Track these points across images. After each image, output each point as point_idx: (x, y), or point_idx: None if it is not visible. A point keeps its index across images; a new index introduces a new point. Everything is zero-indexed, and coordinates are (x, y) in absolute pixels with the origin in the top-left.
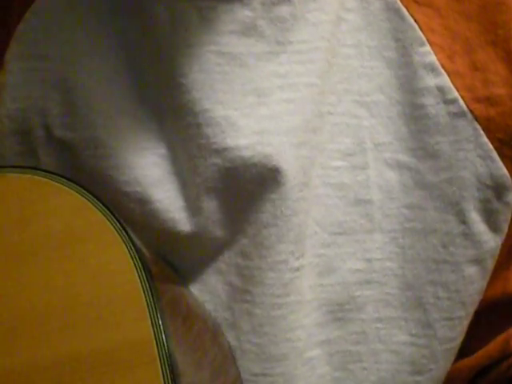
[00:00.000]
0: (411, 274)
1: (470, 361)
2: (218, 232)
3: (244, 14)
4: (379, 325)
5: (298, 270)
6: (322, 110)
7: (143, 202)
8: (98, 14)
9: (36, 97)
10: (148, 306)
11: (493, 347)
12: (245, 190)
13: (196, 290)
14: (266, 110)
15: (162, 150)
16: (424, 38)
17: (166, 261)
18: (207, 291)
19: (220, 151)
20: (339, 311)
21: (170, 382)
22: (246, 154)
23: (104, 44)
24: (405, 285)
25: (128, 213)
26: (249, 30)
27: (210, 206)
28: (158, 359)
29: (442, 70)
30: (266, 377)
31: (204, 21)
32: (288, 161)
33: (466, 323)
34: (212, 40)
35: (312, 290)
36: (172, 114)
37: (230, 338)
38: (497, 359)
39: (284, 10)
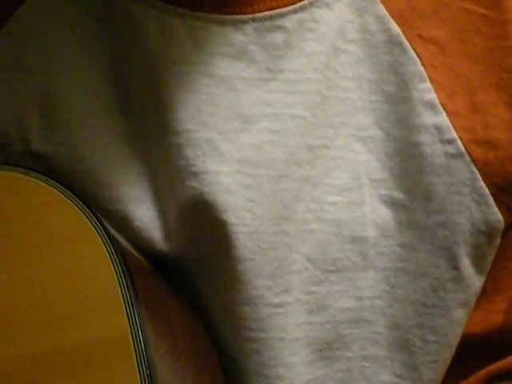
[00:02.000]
0: (400, 315)
1: None
2: (192, 260)
3: (236, 37)
4: (365, 363)
5: (279, 306)
6: (310, 142)
7: (125, 219)
8: (84, 24)
9: (15, 109)
10: (124, 302)
11: None
12: (221, 222)
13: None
14: (249, 137)
15: (144, 168)
16: (425, 74)
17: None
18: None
19: (198, 174)
20: (327, 350)
21: (146, 377)
22: (226, 180)
23: (89, 56)
24: (393, 324)
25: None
26: (240, 55)
27: (185, 231)
28: (134, 354)
29: (442, 109)
30: None
31: (195, 40)
32: (266, 193)
33: (448, 363)
34: (201, 60)
35: (300, 327)
36: (155, 131)
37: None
38: None
39: (278, 37)
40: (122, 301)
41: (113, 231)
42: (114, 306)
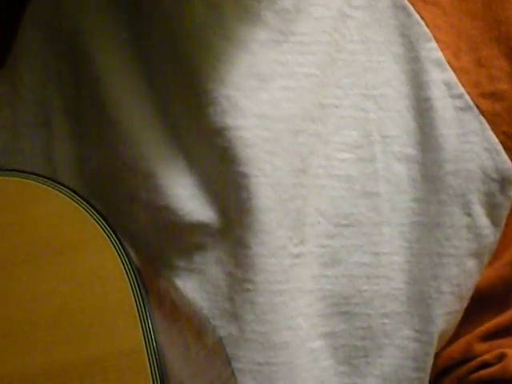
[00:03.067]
0: (417, 269)
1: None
2: (215, 219)
3: (250, 3)
4: (386, 320)
5: (297, 256)
6: (322, 101)
7: (149, 176)
8: (110, 2)
9: (52, 66)
10: (139, 314)
11: (455, 349)
12: (242, 174)
13: (196, 280)
14: (266, 95)
15: (168, 129)
16: (430, 34)
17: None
18: (207, 281)
19: (219, 130)
20: (345, 304)
21: None
22: (245, 135)
23: (116, 29)
24: (411, 279)
25: (132, 188)
26: (254, 19)
27: (208, 191)
28: (148, 368)
29: (448, 67)
30: (270, 366)
31: (210, 6)
32: (285, 147)
33: (459, 317)
34: (218, 23)
35: (315, 280)
36: (176, 94)
37: (232, 328)
38: (458, 361)
39: (287, 3)
40: (137, 313)
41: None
42: (128, 318)
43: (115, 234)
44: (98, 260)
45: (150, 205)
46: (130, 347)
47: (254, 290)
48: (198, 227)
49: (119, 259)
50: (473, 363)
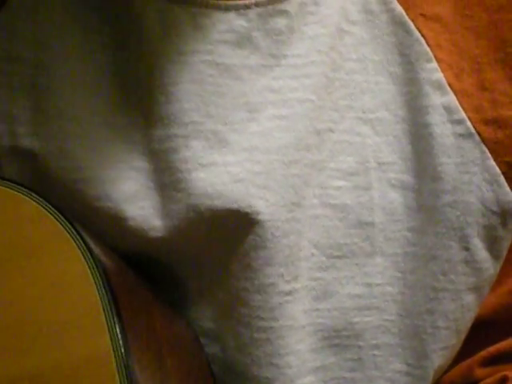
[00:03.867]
0: (410, 301)
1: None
2: (202, 253)
3: (239, 24)
4: (376, 352)
5: (289, 293)
6: (317, 126)
7: (115, 218)
8: (77, 13)
9: (3, 102)
10: (106, 320)
11: (456, 373)
12: (231, 209)
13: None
14: (256, 126)
15: (141, 163)
16: (431, 54)
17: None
18: (192, 303)
19: (206, 165)
20: (336, 337)
21: None
22: (234, 170)
23: (83, 46)
24: (404, 311)
25: (98, 228)
26: (243, 41)
27: (193, 225)
28: (116, 375)
29: (449, 89)
30: None
31: (197, 28)
32: (277, 179)
33: (457, 349)
34: (205, 49)
35: (307, 314)
36: (157, 123)
37: (215, 348)
38: None
39: (280, 22)
40: (104, 319)
41: (93, 245)
42: (95, 324)
43: (82, 239)
44: (65, 265)
45: (118, 246)
46: (98, 354)
47: (237, 320)
48: (175, 261)
49: (86, 264)
50: None
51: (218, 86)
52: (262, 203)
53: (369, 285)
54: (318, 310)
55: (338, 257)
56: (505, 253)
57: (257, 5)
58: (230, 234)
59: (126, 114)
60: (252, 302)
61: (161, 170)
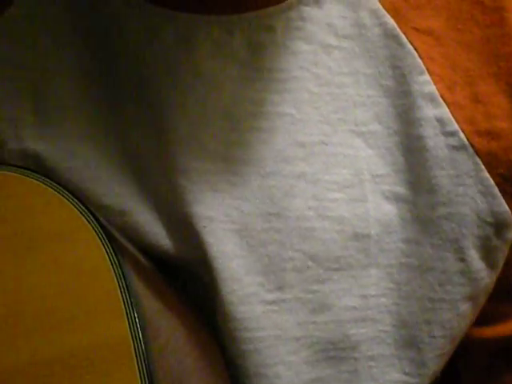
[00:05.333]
0: (406, 312)
1: (492, 331)
2: (193, 256)
3: (223, 37)
4: (372, 363)
5: (272, 303)
6: (300, 139)
7: (124, 213)
8: (73, 25)
9: (8, 107)
10: (125, 305)
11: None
12: (209, 219)
13: None
14: (236, 136)
15: (137, 166)
16: (423, 67)
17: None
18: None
19: (186, 172)
20: (332, 350)
21: (146, 381)
22: (212, 178)
23: (79, 55)
24: (399, 322)
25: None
26: (226, 54)
27: (181, 227)
28: (134, 359)
29: (442, 101)
30: None
31: (180, 39)
32: (253, 190)
33: (451, 354)
34: (187, 59)
35: (302, 326)
36: (143, 130)
37: None
38: None
39: (264, 37)
40: (122, 304)
41: (112, 230)
42: (113, 309)
43: (101, 226)
44: (84, 251)
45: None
46: (116, 338)
47: (226, 335)
48: (176, 259)
49: (104, 250)
50: None
51: (199, 95)
52: (236, 213)
53: (364, 296)
54: (314, 322)
55: (336, 269)
56: (501, 262)
57: (240, 20)
58: (207, 242)
59: (119, 117)
60: (238, 314)
61: (151, 175)
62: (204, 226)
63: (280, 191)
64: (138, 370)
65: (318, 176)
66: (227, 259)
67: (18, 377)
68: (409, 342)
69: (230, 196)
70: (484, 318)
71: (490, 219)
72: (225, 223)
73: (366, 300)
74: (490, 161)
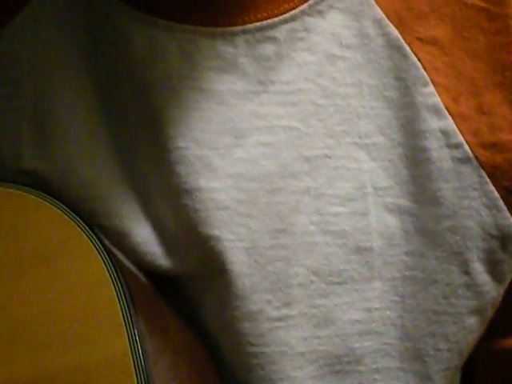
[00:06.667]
0: (411, 325)
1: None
2: (191, 276)
3: (226, 50)
4: (377, 376)
5: (279, 320)
6: (305, 154)
7: (122, 234)
8: (72, 39)
9: (6, 126)
10: (125, 321)
11: None
12: (216, 238)
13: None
14: (242, 152)
15: (136, 184)
16: (428, 78)
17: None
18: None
19: (191, 191)
20: (337, 364)
21: None
22: (219, 197)
23: (79, 70)
24: (404, 335)
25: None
26: (230, 68)
27: (185, 247)
28: (134, 375)
29: (447, 113)
30: None
31: (184, 54)
32: (261, 207)
33: (458, 369)
34: (191, 75)
35: (307, 342)
36: (147, 148)
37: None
38: None
39: (268, 49)
40: (123, 320)
41: (112, 248)
42: (114, 325)
43: (101, 242)
44: (84, 267)
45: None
46: (116, 354)
47: (228, 348)
48: (176, 278)
49: (105, 267)
50: None
51: (203, 112)
52: (244, 231)
53: (368, 309)
54: (319, 337)
55: (338, 283)
56: (508, 276)
57: (244, 32)
58: (214, 261)
59: (119, 136)
60: (241, 328)
61: (153, 193)
62: (211, 246)
63: (287, 207)
64: None
65: (322, 190)
66: (235, 278)
67: None
68: (414, 354)
69: (236, 213)
70: (498, 329)
71: (494, 232)
72: (232, 242)
73: (370, 313)
74: (495, 173)
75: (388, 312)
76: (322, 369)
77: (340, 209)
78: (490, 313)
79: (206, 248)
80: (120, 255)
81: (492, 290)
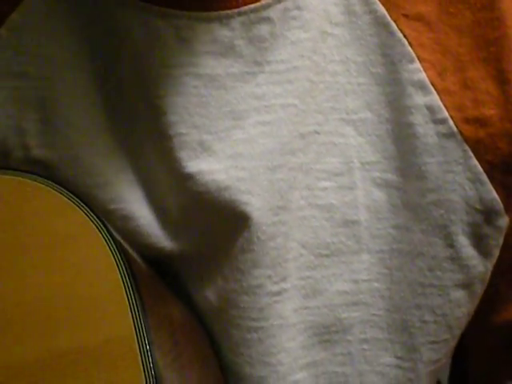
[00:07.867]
0: (398, 297)
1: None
2: (198, 253)
3: (223, 33)
4: (365, 346)
5: (277, 294)
6: (301, 130)
7: (128, 218)
8: (74, 29)
9: (13, 116)
10: (129, 303)
11: None
12: (219, 215)
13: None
14: (241, 133)
15: (138, 171)
16: (413, 54)
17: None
18: (191, 305)
19: (193, 175)
20: (325, 333)
21: (150, 378)
22: (219, 177)
23: (81, 60)
24: (392, 306)
25: (113, 230)
26: (227, 51)
27: (188, 228)
28: (139, 356)
29: (432, 89)
30: None
31: (181, 41)
32: (262, 184)
33: (452, 344)
34: (189, 61)
35: (297, 313)
36: (148, 134)
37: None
38: None
39: (263, 29)
40: (127, 302)
41: (117, 235)
42: (119, 307)
43: (106, 228)
44: (90, 252)
45: (131, 245)
46: (121, 335)
47: (228, 322)
48: (180, 258)
49: (110, 251)
50: None
51: (202, 97)
52: (247, 209)
53: (356, 281)
54: (307, 307)
55: (326, 255)
56: (495, 251)
57: (239, 14)
58: (218, 238)
59: (122, 124)
60: (241, 303)
61: (154, 178)
62: (215, 226)
63: (286, 184)
64: (142, 365)
65: (311, 165)
66: (237, 252)
67: (22, 371)
68: (401, 326)
69: (238, 192)
70: (497, 301)
71: (478, 206)
72: (235, 220)
73: (358, 285)
74: (478, 148)
75: (376, 284)
76: (312, 338)
77: (327, 183)
78: (478, 288)
79: (210, 227)
80: (124, 243)
81: (479, 265)
